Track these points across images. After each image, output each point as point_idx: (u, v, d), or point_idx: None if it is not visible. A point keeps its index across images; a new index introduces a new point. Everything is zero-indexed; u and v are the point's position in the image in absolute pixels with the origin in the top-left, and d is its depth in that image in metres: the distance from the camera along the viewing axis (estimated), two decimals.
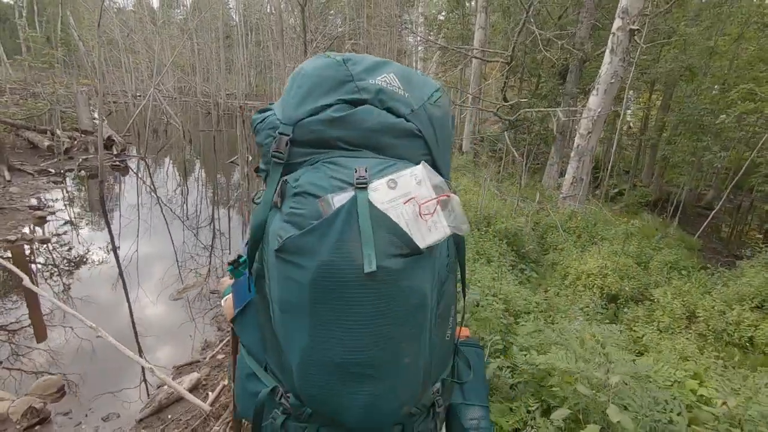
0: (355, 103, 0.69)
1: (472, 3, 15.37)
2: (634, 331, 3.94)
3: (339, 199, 0.62)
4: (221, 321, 3.95)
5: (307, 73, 0.72)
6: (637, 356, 3.50)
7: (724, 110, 9.51)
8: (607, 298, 4.63)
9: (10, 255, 5.19)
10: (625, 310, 4.56)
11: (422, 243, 0.64)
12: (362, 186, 0.63)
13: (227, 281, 1.02)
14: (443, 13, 17.12)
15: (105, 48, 22.50)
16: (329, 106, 0.68)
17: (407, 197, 0.65)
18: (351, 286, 0.60)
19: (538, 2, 8.84)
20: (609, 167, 8.53)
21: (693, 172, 10.25)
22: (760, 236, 8.95)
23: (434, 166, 0.72)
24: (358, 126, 0.68)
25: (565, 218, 6.61)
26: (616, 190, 11.93)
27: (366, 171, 0.64)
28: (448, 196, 0.67)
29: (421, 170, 0.67)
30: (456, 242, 0.75)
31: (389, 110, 0.70)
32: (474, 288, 2.82)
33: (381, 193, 0.64)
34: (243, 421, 1.29)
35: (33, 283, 4.09)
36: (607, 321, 3.39)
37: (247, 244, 0.73)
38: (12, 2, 30.13)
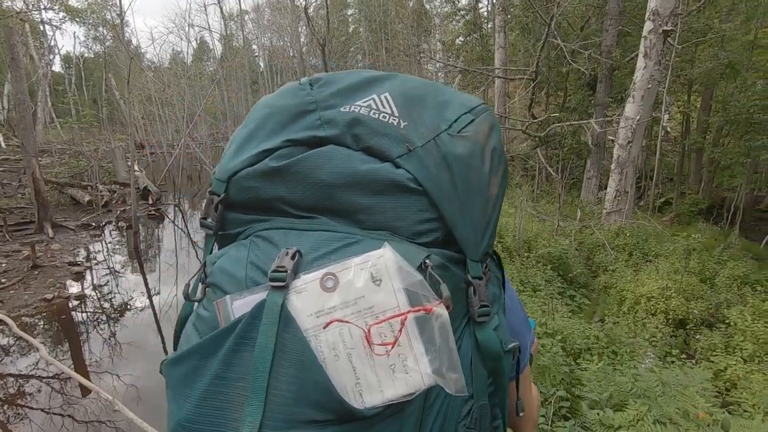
0: (311, 143, 0.45)
1: (490, 24, 15.39)
2: (713, 362, 3.43)
3: (242, 304, 0.38)
4: None
5: (258, 106, 0.50)
6: (725, 394, 3.02)
7: None
8: (673, 324, 4.13)
9: (30, 317, 5.25)
10: (698, 336, 4.03)
11: (373, 399, 0.36)
12: (279, 283, 0.37)
13: None
14: (461, 38, 17.21)
15: (143, 104, 24.00)
16: (273, 150, 0.46)
17: (352, 310, 0.37)
18: None
19: (559, 15, 8.63)
20: (654, 176, 7.96)
21: (748, 174, 9.47)
22: None
23: (449, 239, 0.44)
24: (306, 179, 0.44)
25: (612, 235, 6.13)
26: (662, 200, 11.19)
27: (296, 256, 0.39)
28: (430, 311, 0.37)
29: (384, 257, 0.38)
30: (491, 369, 0.45)
31: (368, 151, 0.45)
32: None
33: (308, 299, 0.37)
34: None
35: (50, 352, 4.03)
36: (683, 356, 2.94)
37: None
38: (63, 71, 33.16)
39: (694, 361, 3.29)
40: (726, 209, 10.05)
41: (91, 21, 25.24)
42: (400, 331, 0.36)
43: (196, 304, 0.44)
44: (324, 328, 0.37)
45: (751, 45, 9.36)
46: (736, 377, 3.15)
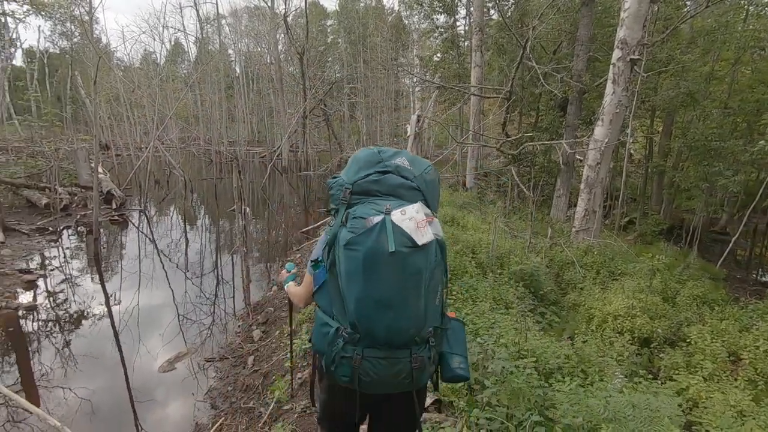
0: (384, 172, 1.20)
1: (467, 43, 15.74)
2: (676, 381, 3.52)
3: (376, 220, 1.10)
4: (215, 397, 3.54)
5: (359, 158, 1.24)
6: (687, 413, 3.09)
7: (730, 134, 9.35)
8: (639, 343, 4.23)
9: None
10: (661, 355, 4.15)
11: (420, 241, 1.10)
12: (387, 213, 1.10)
13: (285, 274, 1.69)
14: (438, 54, 17.51)
15: (111, 104, 23.12)
16: (370, 174, 1.19)
17: (411, 218, 1.11)
18: (382, 261, 1.07)
19: (533, 38, 8.92)
20: (620, 196, 8.26)
21: (705, 197, 9.97)
22: None
23: (427, 204, 1.19)
24: (386, 184, 1.18)
25: (580, 253, 6.27)
26: (626, 219, 11.62)
27: (390, 206, 1.12)
28: (432, 219, 1.16)
29: (419, 206, 1.15)
30: (441, 247, 1.17)
31: (402, 176, 1.21)
32: (499, 349, 2.48)
33: (397, 217, 1.10)
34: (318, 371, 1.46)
35: None
36: (650, 377, 3.00)
37: (324, 248, 1.21)
38: (25, 66, 31.47)
39: (659, 381, 3.36)
40: (685, 230, 10.55)
41: (58, 16, 24.24)
42: (426, 223, 1.13)
43: (339, 227, 1.15)
44: (409, 221, 1.11)
45: (708, 76, 9.96)
46: (698, 396, 3.24)
